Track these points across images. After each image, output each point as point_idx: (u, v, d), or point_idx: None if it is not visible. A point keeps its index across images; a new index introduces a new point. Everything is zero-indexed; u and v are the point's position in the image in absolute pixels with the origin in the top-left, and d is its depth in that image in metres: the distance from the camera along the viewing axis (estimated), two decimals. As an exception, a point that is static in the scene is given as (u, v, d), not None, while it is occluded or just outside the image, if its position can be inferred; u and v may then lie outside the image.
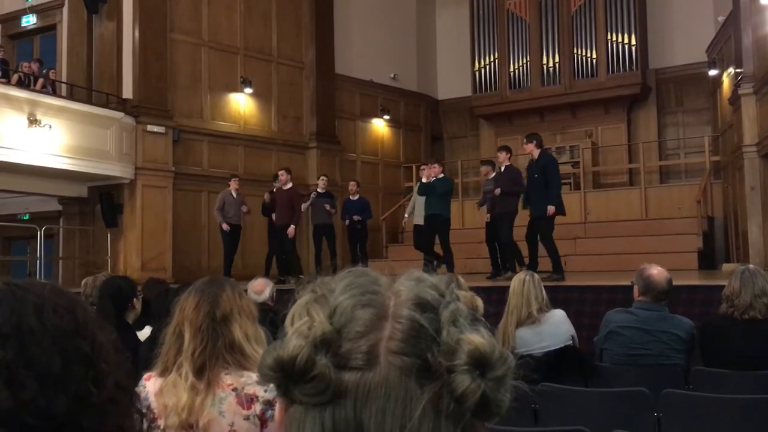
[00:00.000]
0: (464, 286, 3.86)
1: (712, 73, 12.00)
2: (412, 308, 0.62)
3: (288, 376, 0.60)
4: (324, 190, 10.48)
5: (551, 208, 7.73)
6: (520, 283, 3.76)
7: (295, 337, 0.61)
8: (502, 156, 8.76)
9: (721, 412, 2.82)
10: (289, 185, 9.89)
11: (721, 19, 11.41)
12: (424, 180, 9.00)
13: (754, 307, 3.37)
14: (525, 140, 8.41)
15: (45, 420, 0.76)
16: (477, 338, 0.60)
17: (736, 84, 10.03)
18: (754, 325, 3.36)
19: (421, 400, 0.59)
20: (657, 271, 3.58)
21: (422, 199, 9.23)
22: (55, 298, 0.84)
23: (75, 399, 0.78)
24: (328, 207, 10.22)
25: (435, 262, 8.64)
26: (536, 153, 8.10)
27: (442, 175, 9.02)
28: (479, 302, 3.18)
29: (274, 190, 10.26)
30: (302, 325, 0.62)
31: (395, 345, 0.60)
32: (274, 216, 10.09)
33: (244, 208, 10.17)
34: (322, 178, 10.69)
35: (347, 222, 10.70)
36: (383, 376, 0.59)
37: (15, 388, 0.76)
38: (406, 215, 9.86)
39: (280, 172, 10.01)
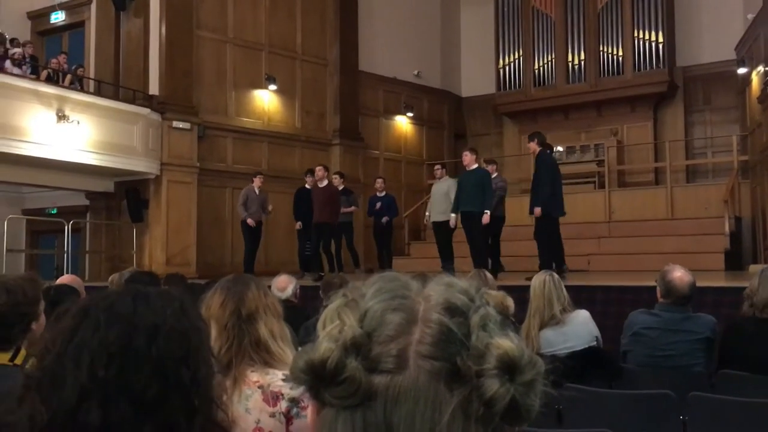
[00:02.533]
0: (493, 285, 3.83)
1: (741, 71, 11.82)
2: (441, 313, 0.62)
3: (319, 379, 0.61)
4: (341, 187, 10.52)
5: (537, 210, 7.74)
6: (541, 284, 3.72)
7: (326, 341, 0.62)
8: (533, 146, 8.55)
9: (748, 416, 2.78)
10: (326, 182, 9.89)
11: (750, 16, 11.23)
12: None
13: None
14: (528, 139, 8.37)
15: None
16: (506, 343, 0.61)
17: (766, 82, 9.87)
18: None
19: (450, 403, 0.59)
20: (679, 275, 3.50)
21: (439, 196, 9.18)
22: (174, 321, 0.84)
23: (163, 428, 0.79)
24: (344, 209, 10.26)
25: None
26: (537, 151, 8.07)
27: (475, 165, 8.59)
28: (510, 302, 3.17)
29: (307, 186, 10.29)
30: (333, 329, 0.63)
31: (425, 349, 0.61)
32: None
33: (270, 208, 10.22)
34: (335, 176, 10.67)
35: (373, 217, 10.74)
36: (413, 379, 0.60)
37: (107, 409, 0.76)
38: (427, 214, 9.78)
39: (317, 168, 9.94)
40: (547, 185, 7.78)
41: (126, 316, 0.81)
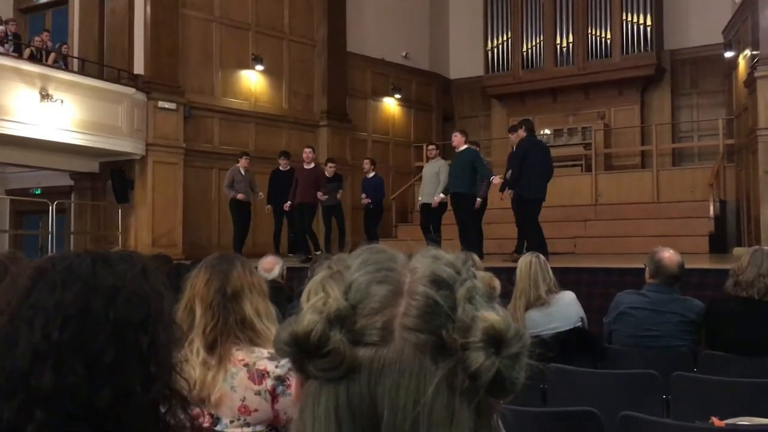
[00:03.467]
0: (480, 266, 3.85)
1: (728, 54, 11.85)
2: (427, 285, 0.62)
3: (303, 351, 0.61)
4: (332, 175, 10.52)
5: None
6: (527, 265, 3.74)
7: (310, 313, 0.61)
8: (521, 132, 8.59)
9: (730, 396, 2.82)
10: (312, 164, 9.87)
11: (738, 0, 11.24)
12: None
13: (754, 286, 3.36)
14: (517, 125, 8.49)
15: (85, 410, 0.76)
16: (492, 315, 0.60)
17: (752, 66, 9.91)
18: (753, 307, 3.34)
19: (435, 376, 0.59)
20: (668, 255, 3.56)
21: (429, 177, 9.16)
22: (134, 285, 0.82)
23: (120, 394, 0.78)
24: (325, 199, 10.10)
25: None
26: (523, 137, 8.17)
27: (465, 147, 8.53)
28: (497, 283, 3.16)
29: (278, 168, 10.25)
30: (318, 301, 0.62)
31: (410, 321, 0.60)
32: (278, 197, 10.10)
33: (260, 195, 10.20)
34: (329, 165, 10.65)
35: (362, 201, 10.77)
36: (398, 352, 0.60)
37: (60, 373, 0.75)
38: (419, 198, 9.70)
39: (306, 150, 9.93)
40: (514, 167, 7.92)
41: (84, 278, 0.80)
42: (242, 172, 10.14)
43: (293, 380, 0.66)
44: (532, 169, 7.94)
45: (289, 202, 9.91)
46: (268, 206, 10.30)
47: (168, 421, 0.82)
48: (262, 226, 11.09)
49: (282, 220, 10.34)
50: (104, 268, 0.81)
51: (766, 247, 3.52)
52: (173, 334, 0.85)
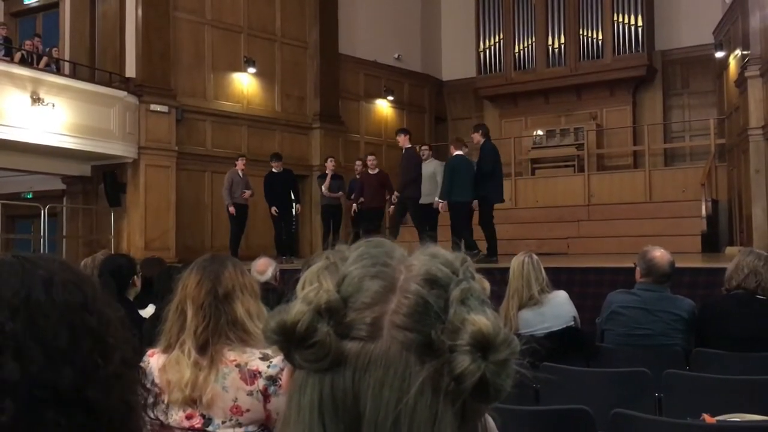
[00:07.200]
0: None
1: (719, 55, 11.90)
2: (420, 284, 0.62)
3: (289, 341, 0.61)
4: (333, 172, 10.56)
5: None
6: (520, 265, 3.74)
7: (300, 303, 0.62)
8: (477, 137, 8.73)
9: (722, 393, 2.82)
10: (377, 170, 9.95)
11: (728, 0, 11.30)
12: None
13: (748, 283, 3.39)
14: (472, 129, 8.79)
15: (52, 393, 0.77)
16: (482, 319, 0.60)
17: (743, 66, 9.96)
18: (749, 305, 3.36)
19: (419, 375, 0.59)
20: (659, 254, 3.58)
21: (425, 178, 9.17)
22: (63, 273, 0.84)
23: (81, 372, 0.79)
24: (332, 194, 10.39)
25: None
26: (481, 142, 8.43)
27: (459, 153, 8.55)
28: (486, 284, 3.18)
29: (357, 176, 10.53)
30: (310, 292, 0.62)
31: (399, 319, 0.60)
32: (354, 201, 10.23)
33: (247, 193, 10.17)
34: (330, 159, 10.73)
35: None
36: (384, 349, 0.60)
37: (23, 361, 0.76)
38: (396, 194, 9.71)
39: (369, 158, 10.07)
40: (487, 173, 8.16)
41: (17, 273, 0.82)
42: (240, 174, 10.15)
43: (286, 377, 0.66)
44: (498, 172, 8.28)
45: (274, 207, 10.05)
46: (274, 208, 10.21)
47: (130, 394, 0.84)
48: (256, 229, 11.08)
49: (282, 223, 10.34)
50: (31, 264, 0.84)
51: (759, 251, 3.54)
52: (118, 312, 0.87)
